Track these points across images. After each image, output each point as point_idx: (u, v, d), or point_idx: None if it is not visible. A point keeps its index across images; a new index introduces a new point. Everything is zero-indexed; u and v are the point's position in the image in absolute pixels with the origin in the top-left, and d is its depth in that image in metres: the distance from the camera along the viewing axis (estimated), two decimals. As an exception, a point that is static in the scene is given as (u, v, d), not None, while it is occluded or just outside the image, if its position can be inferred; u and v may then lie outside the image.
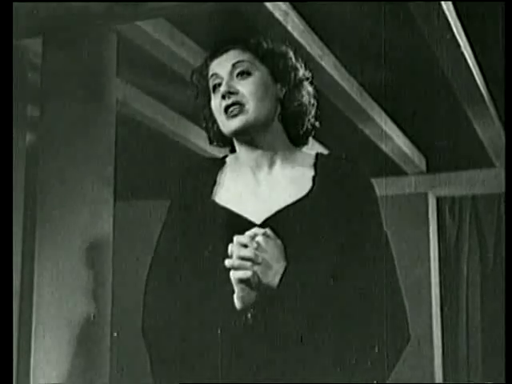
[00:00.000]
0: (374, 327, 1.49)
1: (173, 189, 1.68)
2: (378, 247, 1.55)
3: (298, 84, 1.66)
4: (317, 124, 1.70)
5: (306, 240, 1.53)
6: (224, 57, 1.64)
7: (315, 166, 1.63)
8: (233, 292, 1.50)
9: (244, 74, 1.61)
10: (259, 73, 1.62)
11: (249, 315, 1.50)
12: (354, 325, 1.49)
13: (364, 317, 1.49)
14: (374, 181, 1.63)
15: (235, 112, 1.59)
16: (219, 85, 1.62)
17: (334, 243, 1.53)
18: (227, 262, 1.49)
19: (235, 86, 1.60)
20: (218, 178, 1.65)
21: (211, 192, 1.62)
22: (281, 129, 1.66)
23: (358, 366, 1.48)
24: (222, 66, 1.62)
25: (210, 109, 1.66)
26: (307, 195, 1.57)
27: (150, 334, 1.58)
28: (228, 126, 1.60)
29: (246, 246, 1.49)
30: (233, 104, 1.59)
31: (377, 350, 1.48)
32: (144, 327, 1.59)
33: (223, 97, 1.59)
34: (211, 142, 1.72)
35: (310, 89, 1.69)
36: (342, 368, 1.47)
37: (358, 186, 1.60)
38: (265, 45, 1.65)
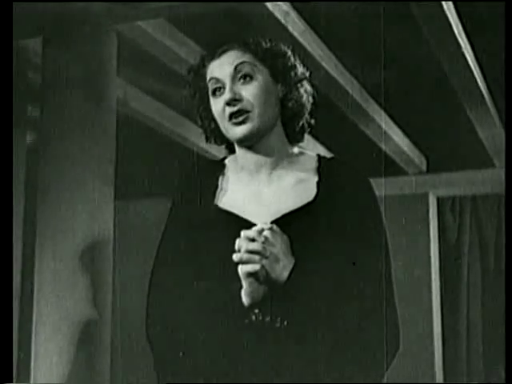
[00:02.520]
0: (365, 334, 1.49)
1: (174, 194, 1.68)
2: (378, 255, 1.55)
3: (298, 83, 1.65)
4: (312, 122, 1.69)
5: (309, 245, 1.53)
6: (223, 59, 1.62)
7: (318, 170, 1.63)
8: (239, 292, 1.51)
9: (247, 77, 1.60)
10: (261, 76, 1.61)
11: (253, 317, 1.50)
12: (347, 331, 1.49)
13: (356, 324, 1.49)
14: (374, 181, 1.64)
15: (241, 119, 1.58)
16: (220, 89, 1.60)
17: (336, 249, 1.53)
18: (235, 257, 1.49)
19: (239, 91, 1.58)
20: (219, 183, 1.65)
21: (214, 197, 1.62)
22: (282, 130, 1.66)
23: (348, 372, 1.48)
24: (222, 69, 1.61)
25: (208, 109, 1.65)
26: (313, 201, 1.57)
27: (154, 334, 1.58)
28: (233, 133, 1.60)
29: (253, 240, 1.49)
30: (238, 111, 1.58)
31: (367, 357, 1.49)
32: (148, 328, 1.59)
33: (228, 104, 1.58)
34: (208, 140, 1.71)
35: (309, 87, 1.68)
36: (332, 372, 1.48)
37: (360, 192, 1.61)
38: (264, 44, 1.64)
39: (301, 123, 1.67)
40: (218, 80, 1.61)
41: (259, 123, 1.59)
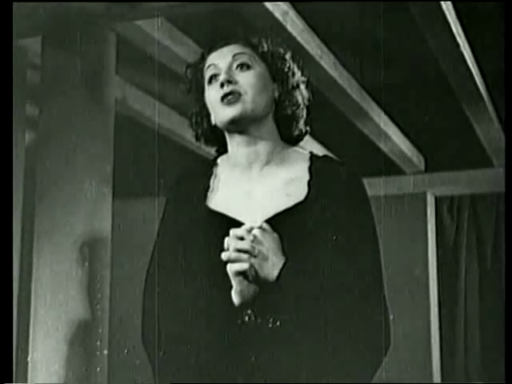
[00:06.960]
0: (357, 333, 1.49)
1: (167, 195, 1.67)
2: (368, 254, 1.55)
3: (295, 87, 1.66)
4: (307, 129, 1.70)
5: (300, 244, 1.53)
6: (224, 50, 1.63)
7: (310, 169, 1.62)
8: (229, 292, 1.50)
9: (244, 66, 1.61)
10: (259, 68, 1.62)
11: (246, 318, 1.50)
12: (339, 329, 1.49)
13: (348, 322, 1.49)
14: (373, 180, 1.64)
15: (232, 100, 1.58)
16: (216, 75, 1.61)
17: (327, 248, 1.53)
18: (224, 255, 1.48)
19: (234, 76, 1.59)
20: (211, 183, 1.64)
21: (205, 198, 1.61)
22: (274, 127, 1.66)
23: (342, 371, 1.48)
24: (221, 58, 1.62)
25: (202, 102, 1.65)
26: (303, 201, 1.57)
27: (149, 335, 1.58)
28: (224, 114, 1.59)
29: (242, 238, 1.49)
30: (231, 92, 1.58)
31: (357, 355, 1.48)
32: (143, 328, 1.59)
33: (222, 85, 1.58)
34: (198, 139, 1.71)
35: (305, 93, 1.69)
36: (322, 370, 1.47)
37: (351, 191, 1.60)
38: (265, 45, 1.65)
39: (297, 130, 1.68)
40: (215, 66, 1.62)
41: (250, 107, 1.58)
